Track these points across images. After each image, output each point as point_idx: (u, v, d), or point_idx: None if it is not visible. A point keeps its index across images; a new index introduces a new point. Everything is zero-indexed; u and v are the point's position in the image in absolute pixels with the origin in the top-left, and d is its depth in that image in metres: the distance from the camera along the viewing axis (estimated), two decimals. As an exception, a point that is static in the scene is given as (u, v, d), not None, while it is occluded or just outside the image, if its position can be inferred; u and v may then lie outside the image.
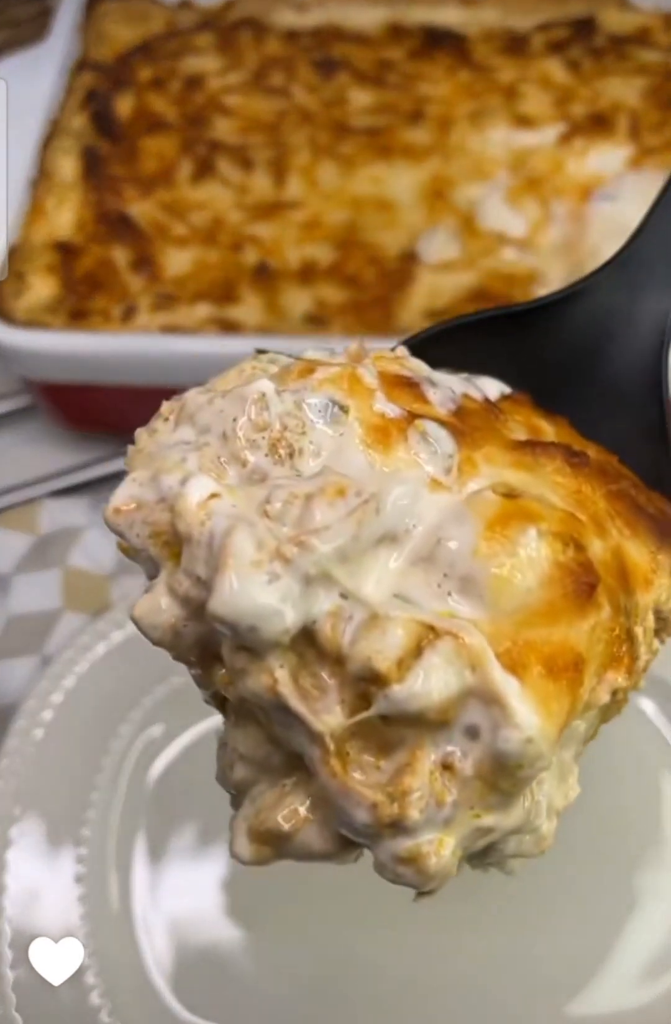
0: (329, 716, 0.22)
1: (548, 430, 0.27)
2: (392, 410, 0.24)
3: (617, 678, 0.23)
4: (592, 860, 0.41)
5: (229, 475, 0.23)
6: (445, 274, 0.56)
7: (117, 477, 0.63)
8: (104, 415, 0.58)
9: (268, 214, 0.59)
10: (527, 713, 0.21)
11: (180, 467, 0.23)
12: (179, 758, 0.47)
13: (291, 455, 0.23)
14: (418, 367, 0.27)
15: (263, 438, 0.23)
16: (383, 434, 0.24)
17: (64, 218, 0.60)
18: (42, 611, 0.50)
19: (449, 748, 0.21)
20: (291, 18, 0.71)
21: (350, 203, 0.60)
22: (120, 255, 0.57)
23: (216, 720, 0.49)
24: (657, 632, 0.25)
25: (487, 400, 0.27)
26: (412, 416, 0.24)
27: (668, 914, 0.43)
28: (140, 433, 0.26)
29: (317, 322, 0.54)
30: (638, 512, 0.25)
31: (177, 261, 0.57)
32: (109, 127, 0.64)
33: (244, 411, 0.24)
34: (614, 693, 0.23)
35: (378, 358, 0.26)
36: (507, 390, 0.28)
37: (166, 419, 0.26)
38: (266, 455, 0.23)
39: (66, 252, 0.57)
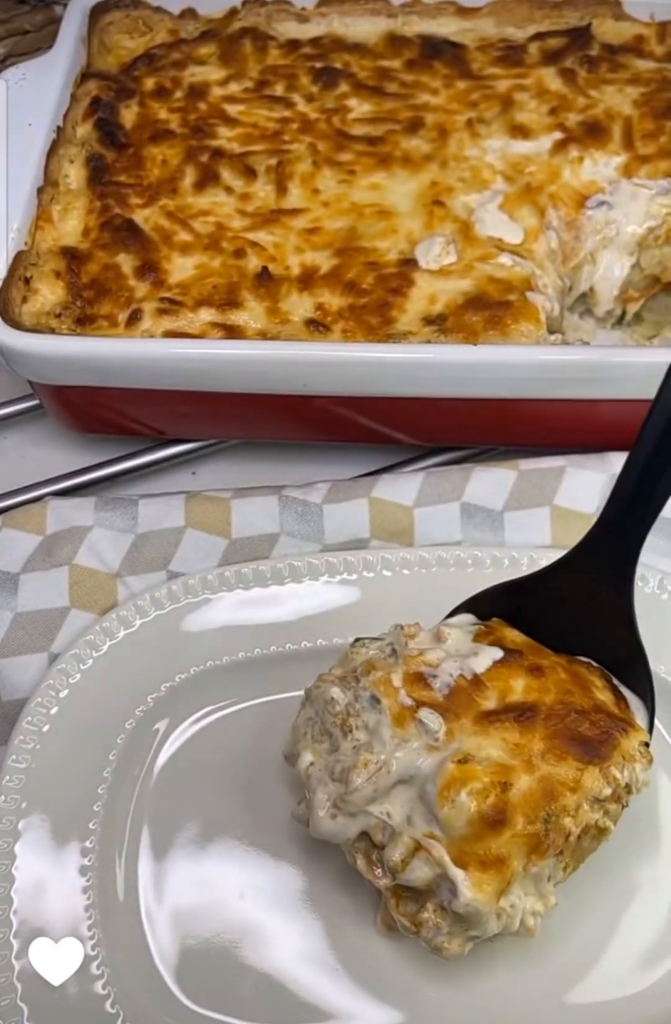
0: (384, 879, 0.41)
1: (517, 688, 0.42)
2: (407, 700, 0.41)
3: (540, 860, 0.39)
4: (593, 855, 0.43)
5: (324, 743, 0.43)
6: (443, 279, 0.56)
7: (122, 477, 0.65)
8: (110, 418, 0.59)
9: (270, 221, 0.60)
10: (466, 890, 0.38)
11: (304, 739, 0.43)
12: (184, 753, 0.48)
13: (350, 730, 0.41)
14: (450, 634, 0.44)
15: (337, 718, 0.42)
16: (401, 717, 0.41)
17: (70, 225, 0.61)
18: (50, 609, 0.51)
19: (441, 899, 0.39)
20: (293, 28, 0.72)
21: (350, 210, 0.60)
22: (125, 261, 0.58)
23: (219, 713, 0.50)
24: (628, 791, 0.41)
25: (475, 676, 0.42)
26: (419, 705, 0.41)
27: (664, 905, 0.44)
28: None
29: (318, 326, 0.55)
30: (570, 742, 0.40)
31: (181, 267, 0.58)
32: (114, 135, 0.65)
33: (325, 706, 0.42)
34: (540, 865, 0.39)
35: (408, 659, 0.43)
36: (499, 656, 0.43)
37: (304, 704, 0.44)
38: (337, 727, 0.42)
39: (72, 258, 0.58)
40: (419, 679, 0.42)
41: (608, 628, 0.45)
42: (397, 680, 0.42)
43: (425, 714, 0.40)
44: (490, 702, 0.41)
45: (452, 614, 0.47)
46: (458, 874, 0.38)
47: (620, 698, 0.44)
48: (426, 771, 0.40)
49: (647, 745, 0.42)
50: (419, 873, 0.39)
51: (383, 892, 0.41)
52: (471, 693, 0.41)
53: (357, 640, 0.45)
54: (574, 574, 0.45)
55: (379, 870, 0.41)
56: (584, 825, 0.40)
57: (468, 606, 0.47)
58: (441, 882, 0.39)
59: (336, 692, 0.42)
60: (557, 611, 0.45)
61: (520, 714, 0.41)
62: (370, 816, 0.40)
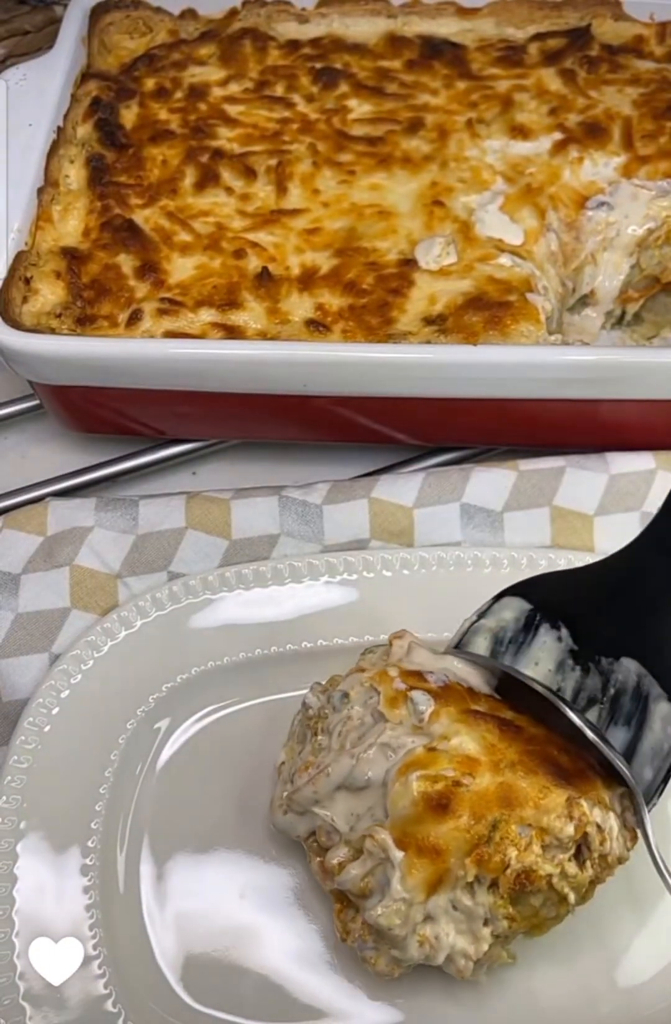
0: (330, 883, 0.42)
1: (507, 713, 0.42)
2: (401, 685, 0.42)
3: (474, 865, 0.38)
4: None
5: (307, 738, 0.44)
6: (443, 280, 0.56)
7: (123, 477, 0.65)
8: (110, 418, 0.59)
9: (270, 221, 0.60)
10: (397, 870, 0.38)
11: (290, 740, 0.46)
12: (185, 753, 0.48)
13: (316, 734, 0.44)
14: (443, 663, 0.45)
15: (310, 721, 0.44)
16: (393, 700, 0.42)
17: (70, 225, 0.61)
18: (51, 610, 0.51)
19: (367, 914, 0.39)
20: (293, 28, 0.72)
21: (350, 210, 0.60)
22: (125, 261, 0.58)
23: (220, 713, 0.50)
24: (602, 853, 0.40)
25: (470, 688, 0.43)
26: (411, 688, 0.42)
27: (664, 917, 0.44)
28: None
29: (318, 327, 0.55)
30: (543, 762, 0.40)
31: (181, 267, 0.58)
32: (114, 136, 0.65)
33: (303, 709, 0.45)
34: (477, 874, 0.39)
35: (404, 675, 0.43)
36: (491, 689, 0.44)
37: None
38: (308, 730, 0.44)
39: (73, 258, 0.58)
40: (415, 674, 0.43)
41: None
42: (393, 671, 0.43)
43: (416, 694, 0.42)
44: (479, 706, 0.42)
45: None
46: (397, 854, 0.38)
47: (613, 773, 0.41)
48: (376, 779, 0.40)
49: (637, 813, 0.40)
50: (352, 876, 0.40)
51: (331, 896, 0.42)
52: (463, 693, 0.42)
53: (367, 650, 0.47)
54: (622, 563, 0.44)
55: (327, 872, 0.41)
56: (528, 868, 0.38)
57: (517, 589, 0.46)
58: (374, 873, 0.39)
59: (310, 697, 0.45)
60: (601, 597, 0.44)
61: (504, 722, 0.41)
62: (315, 817, 0.41)
